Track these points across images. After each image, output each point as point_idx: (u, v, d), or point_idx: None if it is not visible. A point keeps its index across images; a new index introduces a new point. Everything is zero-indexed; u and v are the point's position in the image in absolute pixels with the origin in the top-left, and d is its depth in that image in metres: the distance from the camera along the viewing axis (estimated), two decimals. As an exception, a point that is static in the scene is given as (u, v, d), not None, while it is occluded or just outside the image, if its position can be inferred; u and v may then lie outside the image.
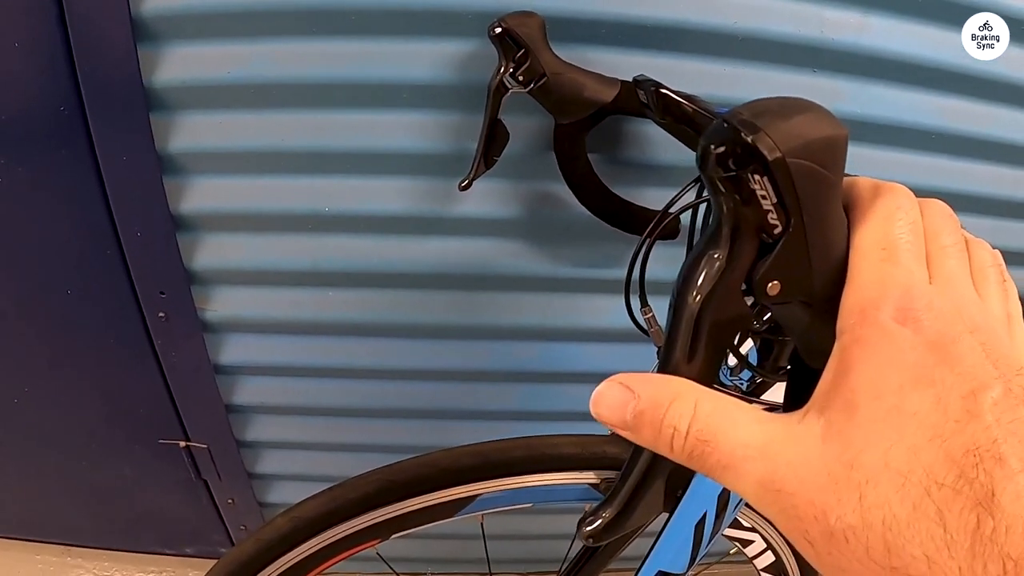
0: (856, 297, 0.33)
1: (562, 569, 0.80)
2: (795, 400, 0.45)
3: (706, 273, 0.38)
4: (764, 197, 0.35)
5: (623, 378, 0.34)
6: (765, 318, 0.49)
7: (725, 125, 0.35)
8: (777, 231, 0.36)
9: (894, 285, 0.32)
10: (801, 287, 0.37)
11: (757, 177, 0.34)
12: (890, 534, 0.26)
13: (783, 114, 0.35)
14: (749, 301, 0.39)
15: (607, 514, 0.46)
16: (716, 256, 0.38)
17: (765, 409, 0.33)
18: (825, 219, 0.36)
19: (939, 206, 0.37)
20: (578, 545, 0.80)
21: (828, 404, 0.31)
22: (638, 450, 0.39)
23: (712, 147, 0.35)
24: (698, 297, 0.38)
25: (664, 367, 0.41)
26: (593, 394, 0.35)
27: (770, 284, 0.37)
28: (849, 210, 0.37)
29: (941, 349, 0.30)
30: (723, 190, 0.36)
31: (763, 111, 0.35)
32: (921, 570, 0.26)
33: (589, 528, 0.47)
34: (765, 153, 0.33)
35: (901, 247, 0.33)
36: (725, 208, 0.37)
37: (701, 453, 0.32)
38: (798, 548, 0.30)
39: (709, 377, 0.40)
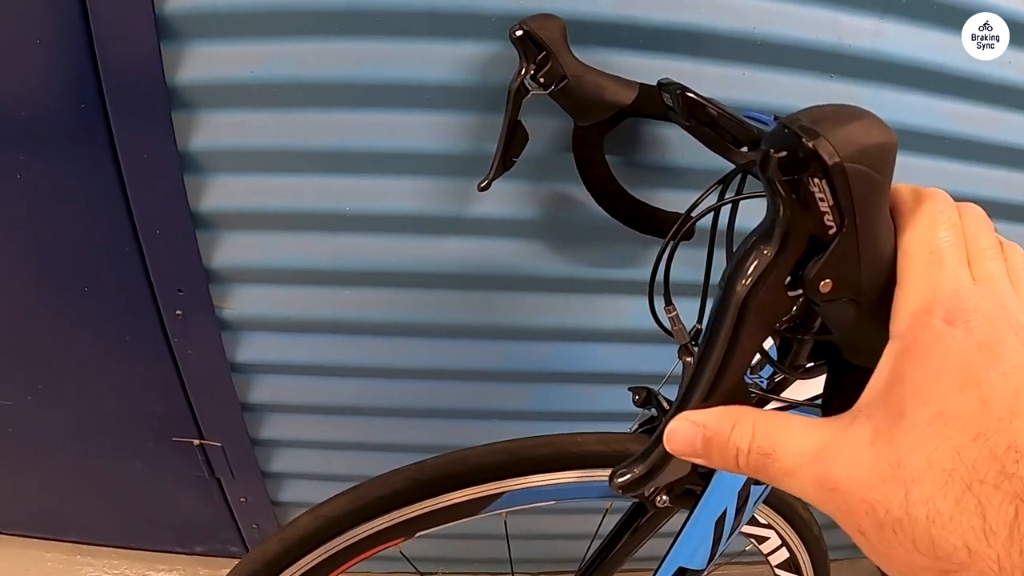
0: (908, 301, 0.35)
1: (580, 567, 0.81)
2: (834, 393, 0.46)
3: (756, 264, 0.39)
4: (822, 199, 0.36)
5: (688, 414, 0.39)
6: (787, 317, 0.50)
7: (786, 131, 0.36)
8: (831, 232, 0.37)
9: (943, 288, 0.34)
10: (851, 285, 0.39)
11: (816, 180, 0.36)
12: (934, 527, 0.29)
13: (840, 121, 0.36)
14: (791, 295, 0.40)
15: (639, 470, 0.48)
16: (766, 250, 0.39)
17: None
18: (875, 221, 0.37)
19: (975, 210, 0.39)
20: (596, 545, 0.81)
21: (877, 409, 0.33)
22: (671, 416, 0.41)
23: (773, 151, 0.37)
24: (745, 285, 0.40)
25: (707, 349, 0.42)
26: (665, 432, 0.40)
27: (823, 282, 0.38)
28: (893, 215, 0.38)
29: (988, 349, 0.31)
30: (782, 192, 0.37)
31: (821, 118, 0.36)
32: (962, 559, 0.28)
33: (620, 479, 0.49)
34: (825, 158, 0.35)
35: (946, 250, 0.35)
36: (783, 209, 0.38)
37: (764, 465, 0.35)
38: (854, 540, 0.32)
39: (746, 360, 0.42)
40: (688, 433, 0.39)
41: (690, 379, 0.44)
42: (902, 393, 0.32)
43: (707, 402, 0.42)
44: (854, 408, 0.34)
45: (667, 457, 0.51)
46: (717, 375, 0.42)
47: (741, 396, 0.44)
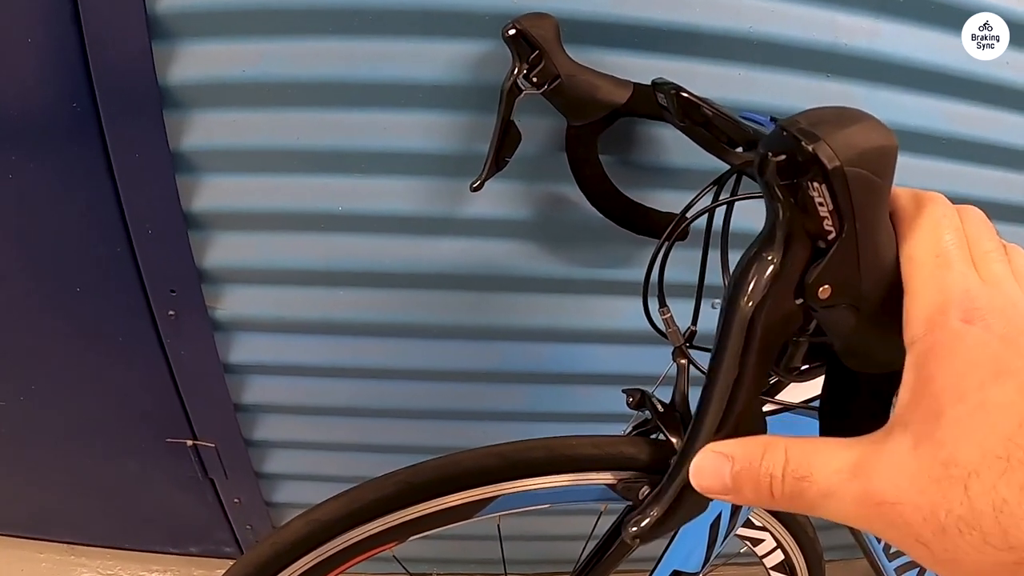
0: (920, 306, 0.34)
1: (575, 569, 0.80)
2: (831, 396, 0.45)
3: (758, 278, 0.38)
4: (821, 204, 0.36)
5: (715, 446, 0.36)
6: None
7: (784, 134, 0.36)
8: (831, 236, 0.37)
9: (955, 289, 0.33)
10: (850, 291, 0.38)
11: (816, 184, 0.35)
12: (1003, 516, 0.27)
13: (839, 124, 0.35)
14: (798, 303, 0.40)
15: (655, 513, 0.46)
16: (770, 258, 0.38)
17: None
18: (875, 225, 0.37)
19: (976, 213, 0.38)
20: (591, 546, 0.81)
21: (912, 416, 0.32)
22: (685, 451, 0.39)
23: (771, 155, 0.36)
24: (750, 303, 0.39)
25: (714, 371, 0.41)
26: (692, 467, 0.37)
27: (822, 288, 0.38)
28: (893, 220, 0.38)
29: (1012, 341, 0.31)
30: (781, 197, 0.37)
31: (820, 120, 0.35)
32: None
33: (637, 528, 0.47)
34: (825, 162, 0.34)
35: (952, 253, 0.35)
36: (782, 214, 0.37)
37: (800, 491, 0.33)
38: (912, 554, 0.31)
39: (759, 381, 0.41)
40: (716, 466, 0.36)
41: (699, 407, 0.43)
42: (935, 393, 0.31)
43: (720, 432, 0.41)
44: (887, 424, 0.33)
45: (685, 494, 0.51)
46: (729, 400, 0.41)
47: (756, 421, 0.42)
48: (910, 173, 0.92)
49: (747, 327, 0.39)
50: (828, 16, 0.84)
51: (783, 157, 0.36)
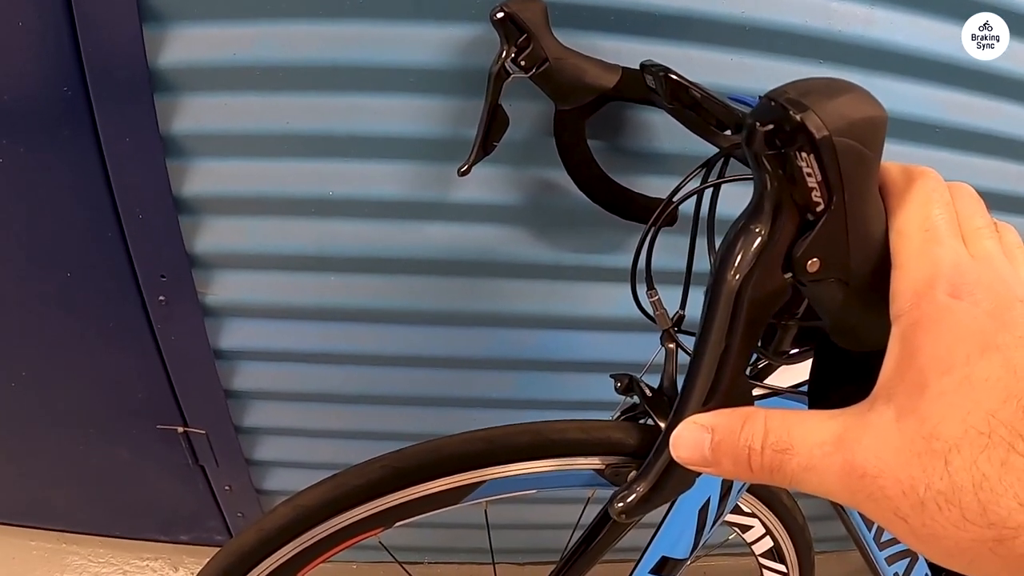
0: (908, 280, 0.33)
1: (563, 556, 0.80)
2: (820, 378, 0.45)
3: (746, 250, 0.38)
4: (809, 175, 0.35)
5: (694, 418, 0.37)
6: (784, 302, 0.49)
7: (772, 103, 0.35)
8: (820, 208, 0.36)
9: (943, 263, 0.33)
10: (839, 264, 0.38)
11: (804, 155, 0.35)
12: (982, 492, 0.27)
13: (828, 94, 0.35)
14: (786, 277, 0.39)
15: (641, 488, 0.46)
16: (758, 230, 0.38)
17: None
18: (864, 197, 0.36)
19: (967, 189, 0.38)
20: (578, 535, 0.80)
21: (896, 388, 0.31)
22: (671, 427, 0.39)
23: (759, 125, 0.35)
24: (737, 275, 0.38)
25: (701, 345, 0.41)
26: (672, 438, 0.37)
27: (810, 261, 0.37)
28: (883, 194, 0.38)
29: (999, 316, 0.30)
30: (769, 168, 0.36)
31: (809, 91, 0.35)
32: (1020, 520, 0.27)
33: (623, 504, 0.46)
34: (813, 131, 0.34)
35: (941, 228, 0.34)
36: (769, 185, 0.37)
37: (780, 463, 0.33)
38: (891, 530, 0.30)
39: (746, 355, 0.40)
40: (695, 438, 0.36)
41: (686, 381, 0.42)
42: (920, 366, 0.31)
43: (707, 405, 0.41)
44: (870, 395, 0.32)
45: (671, 470, 0.50)
46: (716, 374, 0.41)
47: (743, 396, 0.42)
48: (903, 161, 0.91)
49: (734, 300, 0.39)
50: (822, 2, 0.83)
51: (771, 127, 0.35)
